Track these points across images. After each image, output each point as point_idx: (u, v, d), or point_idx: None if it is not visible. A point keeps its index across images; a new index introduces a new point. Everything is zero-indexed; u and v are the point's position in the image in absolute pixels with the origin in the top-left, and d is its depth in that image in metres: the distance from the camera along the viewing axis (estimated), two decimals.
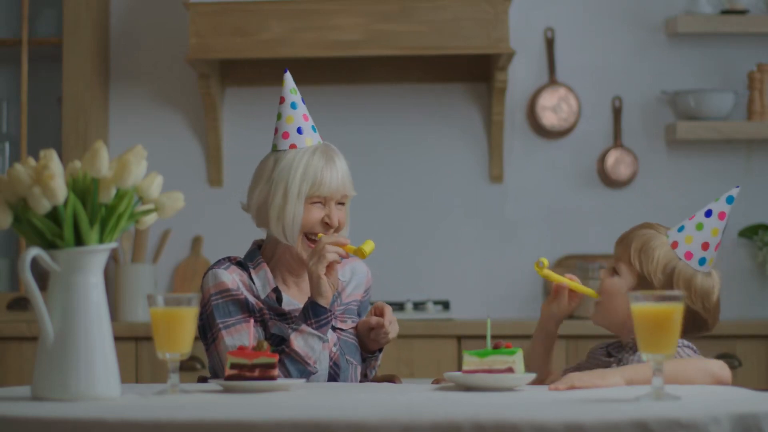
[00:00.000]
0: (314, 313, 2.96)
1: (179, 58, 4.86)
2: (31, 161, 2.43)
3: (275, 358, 2.57)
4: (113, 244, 2.44)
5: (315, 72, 4.85)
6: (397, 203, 4.86)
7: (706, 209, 2.87)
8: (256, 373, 2.56)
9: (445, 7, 4.50)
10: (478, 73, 4.84)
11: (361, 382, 3.18)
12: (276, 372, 2.57)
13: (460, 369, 2.64)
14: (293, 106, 3.08)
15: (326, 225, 3.05)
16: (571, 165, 4.88)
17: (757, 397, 2.42)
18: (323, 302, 2.96)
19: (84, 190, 2.42)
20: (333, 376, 3.04)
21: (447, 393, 2.53)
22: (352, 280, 3.20)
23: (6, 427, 2.17)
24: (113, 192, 2.42)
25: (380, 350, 3.19)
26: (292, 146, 3.04)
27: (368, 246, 3.01)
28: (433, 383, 2.86)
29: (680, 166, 4.86)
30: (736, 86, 4.84)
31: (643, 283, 2.84)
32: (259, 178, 3.07)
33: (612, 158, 4.83)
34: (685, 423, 2.11)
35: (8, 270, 4.79)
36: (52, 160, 2.39)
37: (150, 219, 2.49)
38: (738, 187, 2.92)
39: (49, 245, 2.41)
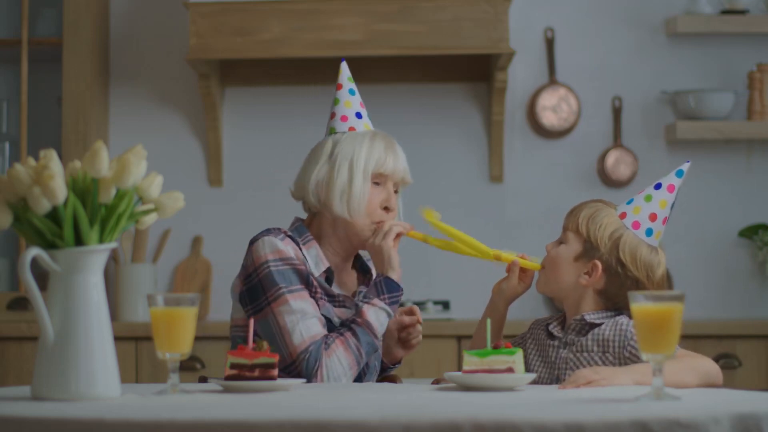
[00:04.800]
0: (387, 288, 2.95)
1: (179, 58, 4.86)
2: (31, 161, 2.43)
3: (275, 358, 2.57)
4: (113, 244, 2.44)
5: (315, 72, 4.85)
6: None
7: (656, 182, 2.88)
8: (256, 373, 2.56)
9: (444, 7, 4.49)
10: (478, 73, 4.84)
11: None
12: (276, 372, 2.57)
13: (460, 369, 2.64)
14: (351, 92, 3.12)
15: (386, 210, 3.04)
16: (571, 165, 4.88)
17: (757, 397, 2.42)
18: (395, 276, 2.95)
19: (84, 190, 2.42)
20: (360, 375, 2.97)
21: (447, 393, 2.53)
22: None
23: (6, 427, 2.17)
24: (113, 192, 2.42)
25: (399, 362, 3.15)
26: (351, 129, 3.05)
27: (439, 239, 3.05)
28: (433, 383, 2.86)
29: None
30: (736, 86, 4.84)
31: (589, 250, 2.83)
32: (317, 159, 3.02)
33: (612, 158, 4.83)
34: (685, 423, 2.11)
35: (8, 270, 4.79)
36: (52, 160, 2.39)
37: (150, 219, 2.49)
38: (689, 162, 2.94)
39: (49, 245, 2.41)
